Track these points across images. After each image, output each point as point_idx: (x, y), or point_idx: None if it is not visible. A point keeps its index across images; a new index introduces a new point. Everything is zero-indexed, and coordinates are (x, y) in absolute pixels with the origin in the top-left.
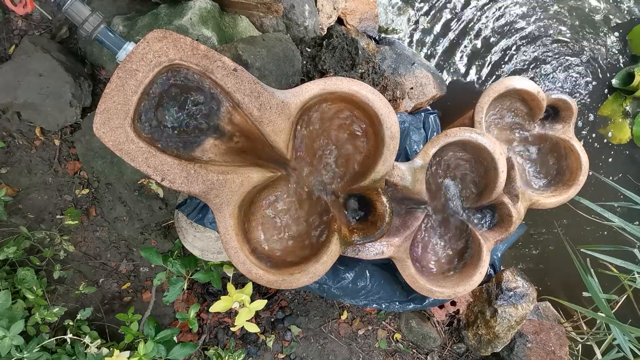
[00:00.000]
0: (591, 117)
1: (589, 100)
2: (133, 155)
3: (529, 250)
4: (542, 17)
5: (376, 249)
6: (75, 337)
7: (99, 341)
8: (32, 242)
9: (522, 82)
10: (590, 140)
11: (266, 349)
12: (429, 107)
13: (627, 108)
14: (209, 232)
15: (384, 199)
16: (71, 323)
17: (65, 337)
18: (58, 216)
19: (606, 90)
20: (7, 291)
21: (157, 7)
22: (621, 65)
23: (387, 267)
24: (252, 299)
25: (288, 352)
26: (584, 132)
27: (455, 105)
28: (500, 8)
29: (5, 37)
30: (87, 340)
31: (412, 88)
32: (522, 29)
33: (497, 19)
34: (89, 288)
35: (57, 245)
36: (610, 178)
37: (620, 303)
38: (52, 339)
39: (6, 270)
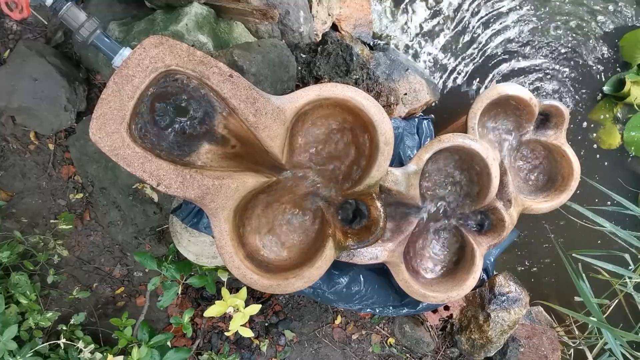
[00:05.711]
0: (583, 123)
1: (580, 106)
2: (129, 161)
3: (522, 255)
4: (535, 24)
5: (370, 254)
6: (68, 342)
7: (92, 346)
8: (25, 246)
9: (514, 89)
10: (581, 145)
11: (260, 353)
12: (422, 113)
13: (618, 114)
14: (204, 236)
15: (378, 204)
16: (65, 328)
17: (58, 341)
18: (52, 220)
19: (598, 97)
20: (0, 296)
21: (153, 13)
22: (613, 71)
23: (381, 271)
24: (246, 304)
25: (282, 357)
26: (575, 138)
27: (448, 111)
28: (493, 15)
29: (0, 41)
30: (80, 345)
31: (405, 94)
32: (516, 35)
33: (491, 26)
34: (82, 293)
35: (51, 250)
36: (601, 183)
37: (611, 307)
38: (45, 343)
39: None
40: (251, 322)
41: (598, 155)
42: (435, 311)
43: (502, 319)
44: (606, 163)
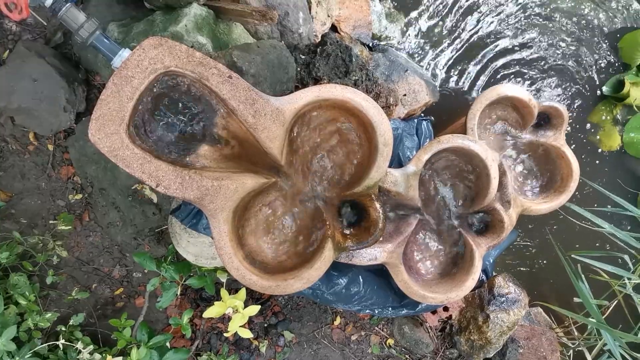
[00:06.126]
0: (582, 125)
1: (580, 107)
2: (128, 162)
3: (521, 256)
4: (535, 25)
5: (369, 255)
6: (67, 343)
7: (91, 347)
8: (24, 247)
9: (514, 90)
10: (581, 147)
11: (259, 354)
12: (421, 114)
13: (617, 115)
14: (203, 237)
15: (377, 205)
16: (64, 329)
17: (57, 342)
18: (51, 221)
19: (597, 97)
20: None
21: (152, 14)
22: (612, 72)
23: (380, 272)
24: (246, 305)
25: (281, 358)
26: (575, 139)
27: (448, 112)
28: (493, 16)
29: None
30: (79, 345)
31: (405, 95)
32: (516, 36)
33: (490, 27)
34: (81, 293)
35: (50, 251)
36: (601, 185)
37: (611, 308)
38: (44, 344)
39: None
40: (250, 323)
41: (597, 158)
42: (434, 312)
43: (502, 320)
44: (606, 165)
